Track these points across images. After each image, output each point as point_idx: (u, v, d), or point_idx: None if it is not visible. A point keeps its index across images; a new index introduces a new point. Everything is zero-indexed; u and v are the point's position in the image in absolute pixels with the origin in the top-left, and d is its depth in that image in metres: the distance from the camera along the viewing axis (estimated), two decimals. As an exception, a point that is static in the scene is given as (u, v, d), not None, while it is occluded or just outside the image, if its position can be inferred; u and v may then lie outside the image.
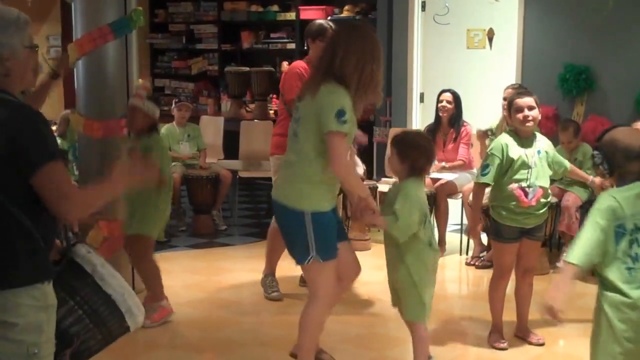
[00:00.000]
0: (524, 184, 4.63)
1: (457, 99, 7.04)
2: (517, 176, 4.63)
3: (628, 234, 3.20)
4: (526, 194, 4.62)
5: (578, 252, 3.23)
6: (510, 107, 4.74)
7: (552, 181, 5.12)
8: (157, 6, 10.38)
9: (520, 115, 4.66)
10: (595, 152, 3.44)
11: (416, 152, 4.04)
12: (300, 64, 5.63)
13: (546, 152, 4.72)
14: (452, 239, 7.18)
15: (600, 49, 7.10)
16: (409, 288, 4.08)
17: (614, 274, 3.20)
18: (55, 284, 2.70)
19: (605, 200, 3.27)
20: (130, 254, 5.22)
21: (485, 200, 4.91)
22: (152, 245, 5.25)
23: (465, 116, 7.12)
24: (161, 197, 5.13)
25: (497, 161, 4.63)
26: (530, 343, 4.88)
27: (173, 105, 8.02)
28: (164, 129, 7.82)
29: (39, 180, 2.55)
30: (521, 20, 7.48)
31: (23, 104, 2.65)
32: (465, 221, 6.93)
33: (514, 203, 4.64)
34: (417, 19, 8.04)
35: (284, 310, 5.48)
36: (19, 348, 2.58)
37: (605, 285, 3.24)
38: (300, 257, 3.92)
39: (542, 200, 4.68)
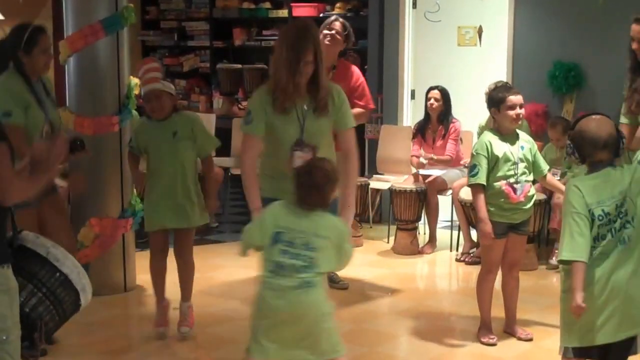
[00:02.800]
0: (511, 180, 4.66)
1: (445, 96, 7.07)
2: (504, 173, 4.66)
3: (597, 219, 3.39)
4: (515, 190, 4.65)
5: (579, 248, 3.36)
6: (500, 102, 4.72)
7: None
8: (149, 3, 10.36)
9: (512, 113, 4.67)
10: (568, 142, 3.60)
11: None
12: None
13: (529, 149, 4.75)
14: (442, 235, 7.21)
15: (590, 47, 7.13)
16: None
17: None
18: (12, 270, 2.72)
19: (570, 192, 3.47)
20: (179, 251, 4.92)
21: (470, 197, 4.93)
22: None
23: (455, 113, 7.15)
24: (205, 185, 4.94)
25: (483, 160, 4.65)
26: (519, 338, 4.91)
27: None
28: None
29: None
30: (511, 18, 7.50)
31: None
32: (455, 217, 6.97)
33: (502, 200, 4.67)
34: (408, 16, 8.06)
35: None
36: None
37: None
38: None
39: (529, 194, 4.72)
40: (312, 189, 3.48)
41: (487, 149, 4.66)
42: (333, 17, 5.99)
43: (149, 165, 4.91)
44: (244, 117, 4.10)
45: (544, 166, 4.86)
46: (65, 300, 2.97)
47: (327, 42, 5.71)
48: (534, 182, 4.84)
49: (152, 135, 4.82)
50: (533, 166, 4.77)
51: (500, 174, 4.66)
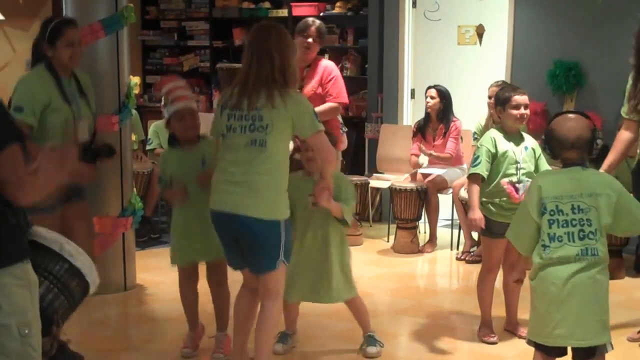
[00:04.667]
0: (514, 179, 4.66)
1: (442, 95, 7.06)
2: (506, 172, 4.66)
3: (548, 213, 3.44)
4: (517, 190, 4.65)
5: (514, 237, 3.69)
6: (505, 102, 4.73)
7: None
8: (149, 3, 10.37)
9: (517, 113, 4.69)
10: (542, 138, 3.70)
11: None
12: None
13: (533, 149, 4.75)
14: (443, 234, 7.21)
15: (590, 46, 7.13)
16: (342, 269, 4.49)
17: (534, 252, 3.52)
18: None
19: (531, 186, 3.62)
20: (212, 282, 4.62)
21: None
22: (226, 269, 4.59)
23: (455, 112, 7.15)
24: None
25: (485, 151, 4.65)
26: (520, 337, 4.91)
27: (162, 102, 8.00)
28: (154, 126, 7.81)
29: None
30: (511, 17, 7.50)
31: None
32: (455, 216, 6.97)
33: (504, 199, 4.67)
34: (408, 15, 8.06)
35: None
36: (10, 331, 2.60)
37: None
38: (270, 263, 3.92)
39: None
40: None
41: (492, 142, 4.67)
42: (309, 21, 5.95)
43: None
44: (315, 117, 3.96)
45: (547, 168, 4.84)
46: (77, 292, 3.02)
47: (305, 49, 5.80)
48: None
49: (180, 164, 4.50)
50: (537, 168, 4.76)
51: (502, 172, 4.65)
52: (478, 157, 4.70)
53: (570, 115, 3.65)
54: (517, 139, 4.74)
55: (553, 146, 3.60)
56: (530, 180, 4.69)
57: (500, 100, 4.78)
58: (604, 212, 3.44)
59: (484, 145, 4.69)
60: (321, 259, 4.42)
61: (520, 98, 4.71)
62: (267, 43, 3.89)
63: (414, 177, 7.17)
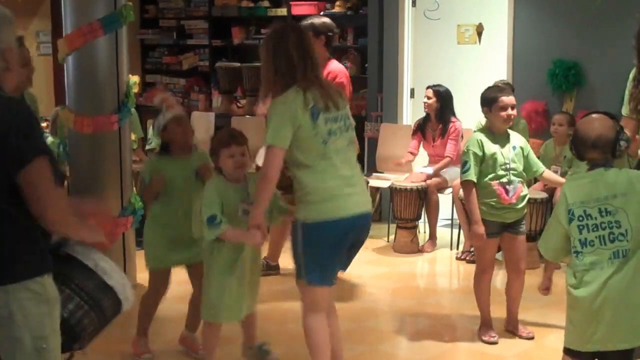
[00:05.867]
0: (504, 180, 4.65)
1: (439, 95, 7.04)
2: (495, 173, 4.65)
3: (576, 219, 3.41)
4: (507, 192, 4.65)
5: (546, 248, 3.62)
6: (492, 102, 4.71)
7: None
8: (148, 2, 10.36)
9: (504, 114, 4.68)
10: (570, 135, 3.71)
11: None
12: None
13: (521, 148, 4.74)
14: (443, 233, 7.20)
15: (590, 45, 7.12)
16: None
17: (568, 260, 3.49)
18: (57, 280, 2.70)
19: (561, 194, 3.57)
20: (197, 282, 4.54)
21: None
22: None
23: (456, 111, 7.14)
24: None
25: (473, 156, 4.64)
26: (520, 337, 4.91)
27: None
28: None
29: (27, 176, 2.53)
30: (511, 16, 7.49)
31: (13, 97, 2.65)
32: (455, 216, 6.96)
33: (494, 199, 4.66)
34: (408, 14, 8.05)
35: (275, 304, 5.49)
36: (25, 345, 2.58)
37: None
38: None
39: (522, 194, 4.71)
40: None
41: (478, 145, 4.66)
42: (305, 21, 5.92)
43: (160, 199, 4.55)
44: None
45: (539, 166, 4.83)
46: (109, 310, 2.96)
47: None
48: (535, 180, 4.83)
49: (173, 172, 4.48)
50: (527, 166, 4.75)
51: (492, 174, 4.65)
52: (466, 162, 4.68)
53: (595, 115, 3.61)
54: (504, 140, 4.73)
55: (577, 146, 3.56)
56: (520, 179, 4.70)
57: (486, 100, 4.75)
58: (636, 210, 3.36)
59: (471, 148, 4.68)
60: (253, 271, 4.22)
61: (507, 99, 4.69)
62: (309, 41, 3.87)
63: (404, 165, 7.17)
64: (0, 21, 2.65)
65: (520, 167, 4.70)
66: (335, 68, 5.76)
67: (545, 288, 3.78)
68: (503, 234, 4.77)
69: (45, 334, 2.62)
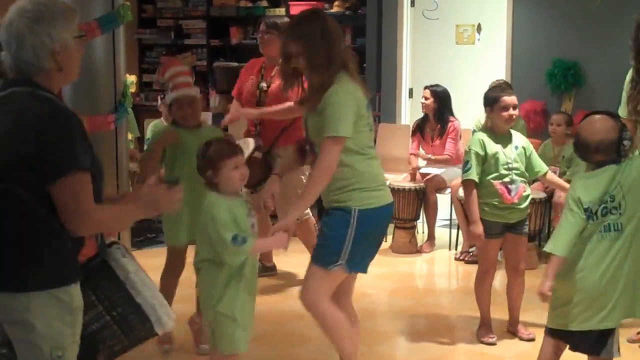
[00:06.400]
0: (506, 180, 4.63)
1: (436, 95, 7.02)
2: (498, 173, 4.63)
3: (594, 215, 3.44)
4: (509, 191, 4.63)
5: (561, 242, 3.49)
6: (494, 102, 4.70)
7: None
8: (145, 1, 10.32)
9: (506, 114, 4.66)
10: (573, 141, 3.69)
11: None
12: None
13: (524, 148, 4.72)
14: (441, 234, 7.18)
15: (589, 45, 7.11)
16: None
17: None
18: (85, 285, 2.62)
19: (570, 189, 3.58)
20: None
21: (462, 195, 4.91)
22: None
23: (454, 111, 7.12)
24: None
25: (474, 156, 4.63)
26: (521, 338, 4.89)
27: (159, 101, 7.98)
28: (152, 125, 7.79)
29: (59, 189, 2.44)
30: (510, 16, 7.48)
31: (62, 105, 2.55)
32: (454, 216, 6.94)
33: (497, 199, 4.64)
34: (407, 14, 8.04)
35: (272, 304, 5.48)
36: (41, 352, 2.51)
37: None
38: None
39: (524, 194, 4.69)
40: None
41: (480, 145, 4.64)
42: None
43: (174, 174, 4.42)
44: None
45: (542, 166, 4.81)
46: (138, 327, 2.77)
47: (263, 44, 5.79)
48: (534, 180, 4.81)
49: (185, 145, 4.39)
50: (529, 166, 4.73)
51: (494, 174, 4.63)
52: (468, 161, 4.67)
53: (596, 116, 3.58)
54: (506, 140, 4.71)
55: (581, 150, 3.57)
56: (523, 179, 4.68)
57: (488, 100, 4.74)
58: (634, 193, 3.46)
59: (473, 148, 4.66)
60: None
61: (509, 99, 4.68)
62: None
63: (413, 176, 7.14)
64: (51, 15, 2.51)
65: (523, 167, 4.69)
66: None
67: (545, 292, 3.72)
68: (505, 234, 4.75)
69: (64, 344, 2.54)
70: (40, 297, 2.49)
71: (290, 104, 5.63)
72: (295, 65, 3.67)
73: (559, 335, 3.60)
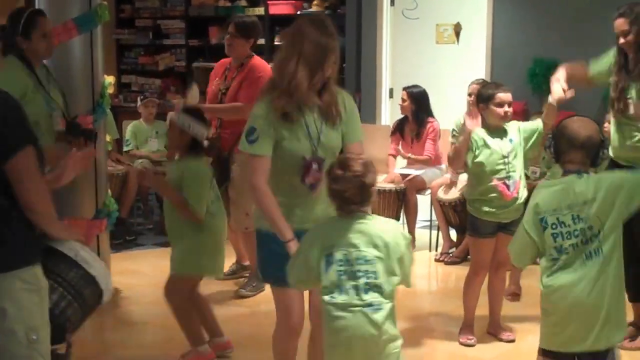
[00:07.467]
0: (502, 175, 4.61)
1: (412, 97, 6.97)
2: (493, 168, 4.60)
3: (550, 227, 3.34)
4: (508, 187, 4.61)
5: (514, 254, 3.51)
6: (488, 99, 4.67)
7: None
8: (123, 1, 10.27)
9: (501, 110, 4.64)
10: (549, 136, 3.57)
11: None
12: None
13: (518, 130, 4.69)
14: (421, 235, 7.16)
15: (570, 44, 7.11)
16: None
17: (542, 263, 3.40)
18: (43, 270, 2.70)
19: (530, 201, 3.47)
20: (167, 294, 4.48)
21: (458, 195, 4.88)
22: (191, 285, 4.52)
23: (433, 111, 7.10)
24: (202, 234, 4.36)
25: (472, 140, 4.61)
26: (501, 339, 4.88)
27: (139, 102, 7.93)
28: (131, 126, 7.76)
29: (14, 164, 2.53)
30: (490, 15, 7.49)
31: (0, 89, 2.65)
32: (434, 217, 6.92)
33: (494, 194, 4.61)
34: (386, 13, 8.03)
35: (255, 307, 5.44)
36: (16, 336, 2.55)
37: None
38: None
39: (520, 190, 4.67)
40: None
41: (477, 135, 4.62)
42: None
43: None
44: (245, 135, 3.40)
45: (536, 122, 4.79)
46: (91, 299, 2.97)
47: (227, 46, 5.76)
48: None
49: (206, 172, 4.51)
50: (530, 134, 4.70)
51: (489, 168, 4.59)
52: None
53: (579, 117, 3.51)
54: (501, 133, 4.69)
55: (560, 144, 3.43)
56: (519, 175, 4.66)
57: (483, 97, 4.72)
58: (608, 211, 3.29)
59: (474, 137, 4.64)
60: None
61: (504, 95, 4.66)
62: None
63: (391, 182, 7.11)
64: None
65: (519, 163, 4.65)
66: (258, 64, 5.74)
67: (513, 294, 3.73)
68: (498, 234, 4.72)
69: (36, 325, 2.60)
70: (7, 280, 2.54)
71: (238, 104, 5.59)
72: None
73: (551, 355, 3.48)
